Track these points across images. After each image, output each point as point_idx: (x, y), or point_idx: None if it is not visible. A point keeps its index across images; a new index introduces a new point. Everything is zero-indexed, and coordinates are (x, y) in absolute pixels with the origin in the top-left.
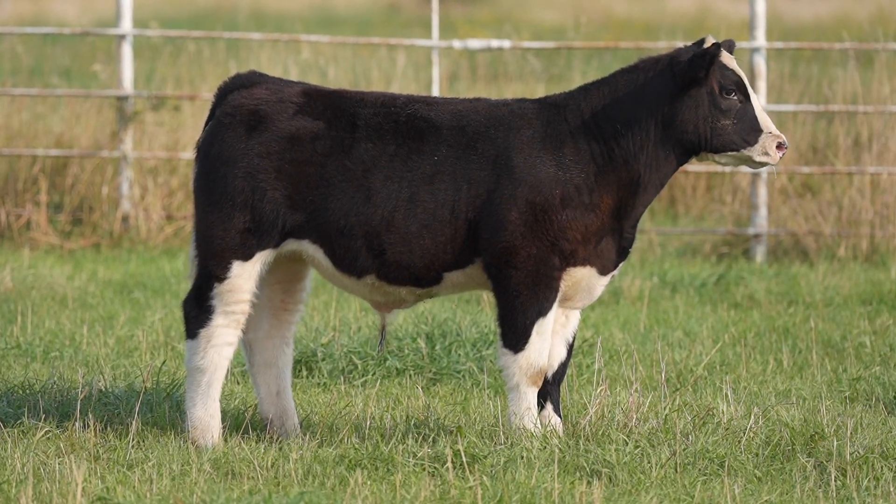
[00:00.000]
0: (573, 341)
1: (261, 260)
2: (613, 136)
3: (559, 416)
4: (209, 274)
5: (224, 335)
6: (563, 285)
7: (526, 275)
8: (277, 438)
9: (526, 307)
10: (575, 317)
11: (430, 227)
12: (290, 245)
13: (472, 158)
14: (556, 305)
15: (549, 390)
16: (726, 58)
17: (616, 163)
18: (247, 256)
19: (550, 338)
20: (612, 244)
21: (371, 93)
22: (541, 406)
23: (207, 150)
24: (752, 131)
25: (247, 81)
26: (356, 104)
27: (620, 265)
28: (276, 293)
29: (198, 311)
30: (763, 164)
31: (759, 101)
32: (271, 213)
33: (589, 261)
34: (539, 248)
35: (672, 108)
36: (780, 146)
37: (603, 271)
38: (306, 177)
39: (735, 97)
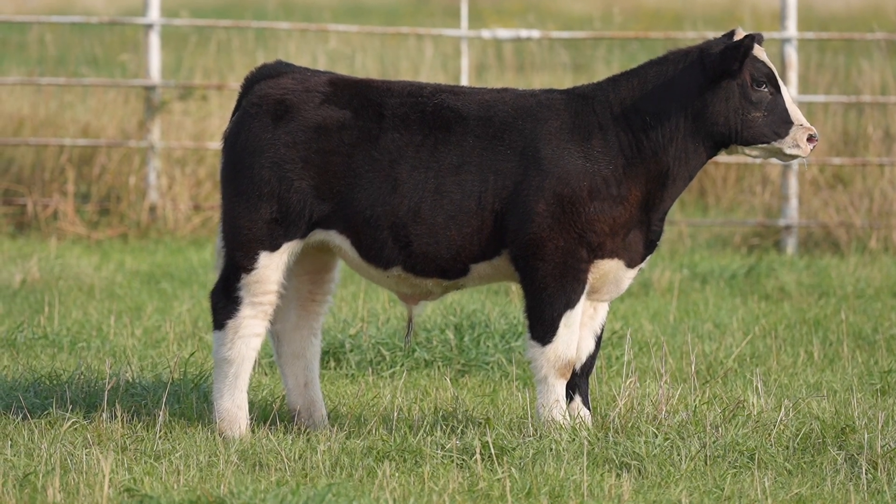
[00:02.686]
0: (601, 333)
1: (288, 251)
2: (642, 127)
3: (588, 408)
4: (236, 265)
5: (251, 326)
6: (591, 277)
7: (553, 267)
8: (305, 430)
9: (553, 299)
10: (603, 309)
11: (456, 219)
12: (318, 235)
13: (499, 149)
14: (583, 298)
15: (577, 382)
16: (757, 50)
17: (645, 155)
18: (274, 247)
19: (579, 330)
20: (639, 237)
21: (398, 82)
22: (569, 398)
23: (234, 141)
24: (783, 123)
25: (273, 71)
26: (383, 94)
27: (648, 258)
28: (305, 284)
29: (225, 302)
30: (794, 157)
31: (789, 93)
32: (298, 204)
33: (616, 253)
34: (566, 240)
35: (702, 100)
36: (811, 138)
37: (630, 264)
38: (333, 166)
39: (766, 89)
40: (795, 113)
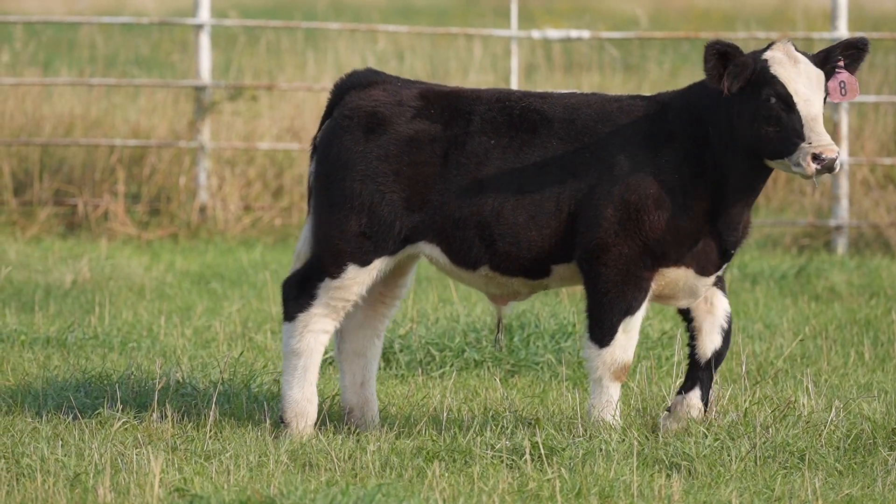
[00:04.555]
0: (729, 326)
1: (378, 268)
2: (705, 138)
3: (705, 403)
4: (322, 268)
5: (322, 323)
6: (656, 285)
7: (616, 273)
8: (356, 428)
9: (614, 305)
10: (720, 302)
11: (536, 219)
12: (408, 251)
13: (578, 152)
14: (645, 304)
15: (700, 376)
16: (779, 63)
17: (706, 166)
18: (364, 262)
19: (638, 335)
20: (712, 246)
21: (487, 90)
22: (688, 389)
23: (326, 151)
24: (792, 141)
25: (364, 80)
26: (472, 102)
27: (724, 266)
28: (377, 285)
29: (298, 295)
30: (803, 175)
31: (813, 108)
32: (389, 217)
33: (684, 262)
34: (630, 247)
35: (728, 114)
36: (815, 157)
37: (703, 272)
38: (424, 178)
39: (777, 104)
40: (811, 130)
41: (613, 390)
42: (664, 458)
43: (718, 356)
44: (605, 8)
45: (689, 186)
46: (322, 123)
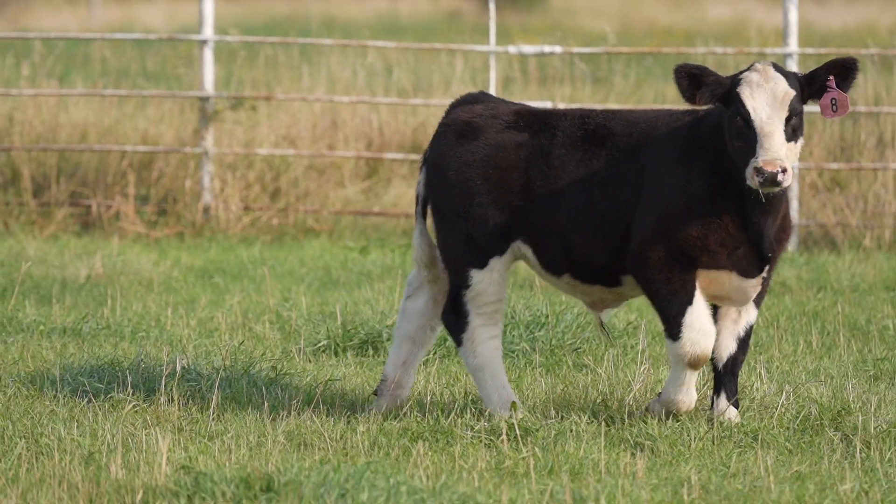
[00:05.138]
0: (745, 336)
1: (496, 267)
2: (725, 151)
3: (734, 406)
4: (455, 283)
5: (485, 332)
6: (701, 283)
7: (660, 275)
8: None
9: (668, 304)
10: (747, 314)
11: (601, 229)
12: (513, 250)
13: (632, 165)
14: (699, 298)
15: (723, 381)
16: (746, 82)
17: (730, 177)
18: (480, 264)
19: (712, 325)
20: (751, 251)
21: (574, 109)
22: (717, 394)
23: (431, 162)
24: (747, 156)
25: (472, 99)
26: (559, 118)
27: (766, 268)
28: (443, 282)
29: (455, 318)
30: (755, 188)
31: (767, 125)
32: (482, 217)
33: (723, 265)
34: (668, 252)
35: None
36: (758, 171)
37: (746, 274)
38: (509, 182)
39: (739, 120)
40: (761, 146)
41: (689, 375)
42: (629, 438)
43: (734, 361)
44: (575, 25)
45: (718, 197)
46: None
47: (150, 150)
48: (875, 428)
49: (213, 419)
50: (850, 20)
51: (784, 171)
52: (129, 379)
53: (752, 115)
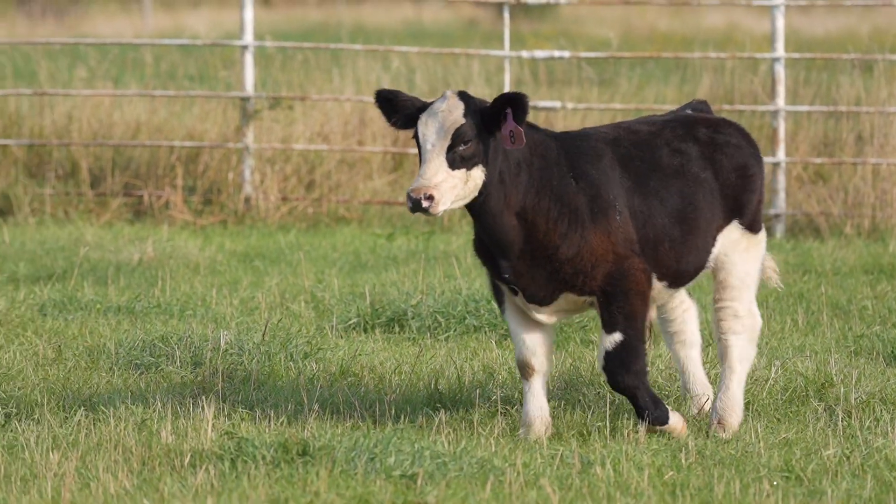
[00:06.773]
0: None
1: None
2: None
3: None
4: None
5: (674, 334)
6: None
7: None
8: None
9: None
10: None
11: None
12: None
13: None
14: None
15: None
16: (427, 112)
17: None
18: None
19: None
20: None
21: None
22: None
23: None
24: None
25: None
26: (647, 124)
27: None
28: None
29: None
30: None
31: (427, 152)
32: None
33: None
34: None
35: None
36: (407, 195)
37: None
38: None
39: (419, 147)
40: (419, 172)
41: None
42: (632, 408)
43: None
44: (582, 32)
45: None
46: None
47: (196, 146)
48: (855, 399)
49: (253, 389)
50: (833, 27)
51: (430, 197)
52: (178, 353)
53: (420, 142)
